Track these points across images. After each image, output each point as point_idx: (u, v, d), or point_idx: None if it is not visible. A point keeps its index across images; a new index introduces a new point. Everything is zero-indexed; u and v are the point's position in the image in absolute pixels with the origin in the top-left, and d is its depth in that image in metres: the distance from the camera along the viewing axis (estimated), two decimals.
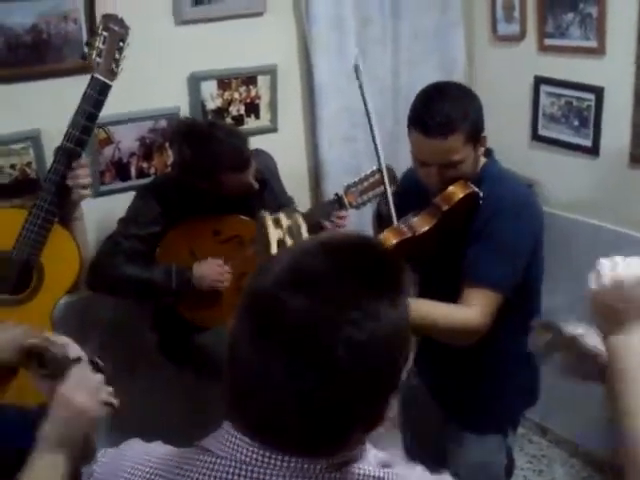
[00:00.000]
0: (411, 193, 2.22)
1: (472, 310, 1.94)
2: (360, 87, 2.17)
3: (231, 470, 0.98)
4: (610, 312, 1.29)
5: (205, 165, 2.47)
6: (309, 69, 3.15)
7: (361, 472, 0.99)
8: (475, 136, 2.02)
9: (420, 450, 2.46)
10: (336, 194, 2.63)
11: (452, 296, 1.98)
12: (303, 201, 3.07)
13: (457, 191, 2.03)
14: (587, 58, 3.01)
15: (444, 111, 1.96)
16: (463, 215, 2.05)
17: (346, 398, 0.94)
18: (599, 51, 2.95)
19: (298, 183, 3.16)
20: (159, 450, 1.12)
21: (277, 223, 1.89)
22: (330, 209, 2.62)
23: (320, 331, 0.92)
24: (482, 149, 2.09)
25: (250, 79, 3.06)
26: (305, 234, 1.83)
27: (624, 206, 2.98)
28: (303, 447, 0.97)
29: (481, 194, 2.04)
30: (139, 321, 2.87)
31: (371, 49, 3.24)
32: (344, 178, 2.75)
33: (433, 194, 2.07)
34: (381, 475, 0.99)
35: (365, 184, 2.58)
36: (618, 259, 1.30)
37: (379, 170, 2.50)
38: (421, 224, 2.04)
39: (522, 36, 3.26)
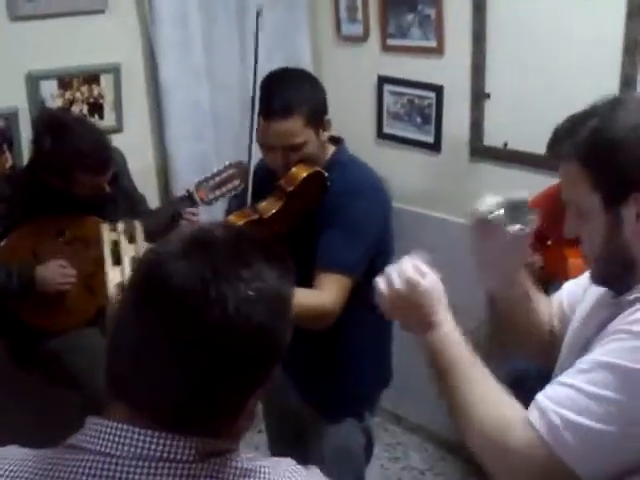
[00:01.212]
0: (263, 184, 2.23)
1: (325, 294, 1.99)
2: (256, 34, 2.18)
3: (106, 465, 0.94)
4: (410, 313, 1.32)
5: (63, 160, 2.40)
6: (154, 67, 3.10)
7: (233, 464, 0.98)
8: (316, 119, 2.07)
9: (280, 437, 2.50)
10: (187, 190, 2.61)
11: (307, 281, 2.01)
12: (152, 200, 3.01)
13: (300, 171, 2.07)
14: (427, 58, 3.12)
15: (284, 94, 2.03)
16: (311, 196, 2.09)
17: (232, 363, 0.94)
18: (438, 51, 3.07)
19: (146, 183, 3.09)
20: (15, 453, 1.03)
21: (113, 229, 2.05)
22: (181, 206, 2.59)
23: (210, 289, 0.93)
24: (326, 134, 2.14)
25: (92, 78, 2.97)
26: (141, 235, 2.01)
27: (465, 198, 3.09)
28: (180, 422, 0.95)
29: (326, 173, 2.09)
30: None
31: (217, 47, 3.22)
32: (192, 176, 2.73)
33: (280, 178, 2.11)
34: (250, 467, 0.99)
35: (217, 179, 2.57)
36: (389, 270, 1.34)
37: (231, 165, 2.51)
38: (267, 207, 2.08)
39: (365, 36, 3.33)
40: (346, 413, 2.29)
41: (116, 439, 0.94)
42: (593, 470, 1.12)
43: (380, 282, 1.34)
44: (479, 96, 2.98)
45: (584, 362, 1.17)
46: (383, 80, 3.32)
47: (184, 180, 3.02)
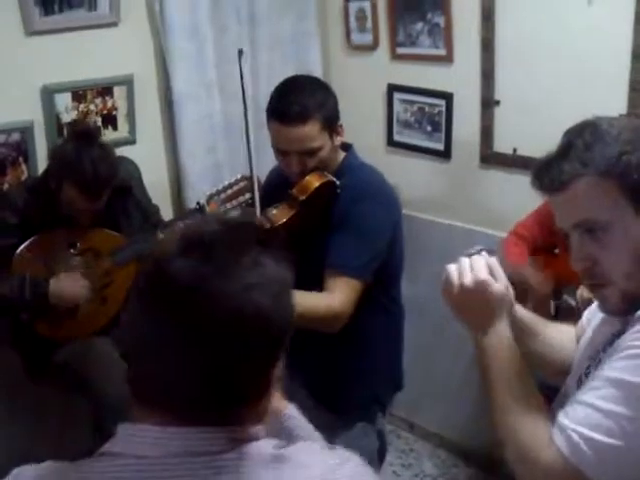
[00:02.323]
0: (275, 192, 2.27)
1: (335, 297, 2.02)
2: (240, 72, 2.24)
3: (141, 467, 0.96)
4: (472, 310, 1.34)
5: (63, 164, 2.46)
6: (166, 79, 3.13)
7: (262, 450, 1.00)
8: (331, 124, 2.13)
9: None
10: (198, 203, 2.63)
11: (317, 285, 2.04)
12: (165, 212, 3.04)
13: (313, 180, 2.11)
14: (436, 66, 3.14)
15: (300, 100, 2.08)
16: (322, 204, 2.12)
17: (243, 350, 0.96)
18: (447, 59, 3.09)
19: (159, 194, 3.12)
20: (51, 468, 1.05)
21: None
22: (192, 218, 2.61)
23: (213, 283, 0.95)
24: (339, 138, 2.19)
25: (106, 90, 3.00)
26: None
27: (475, 205, 3.13)
28: (206, 416, 0.97)
29: (337, 182, 2.13)
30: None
31: (229, 58, 3.25)
32: (205, 188, 2.74)
33: (294, 186, 2.14)
34: (279, 453, 1.01)
35: (228, 192, 2.58)
36: (464, 262, 1.35)
37: (243, 178, 2.53)
38: (279, 216, 2.12)
39: (375, 45, 3.36)
40: (358, 416, 2.30)
41: (148, 441, 0.97)
42: None
43: (452, 272, 1.35)
44: (489, 103, 3.00)
45: (596, 379, 1.20)
46: (393, 88, 3.34)
47: (197, 191, 3.04)
